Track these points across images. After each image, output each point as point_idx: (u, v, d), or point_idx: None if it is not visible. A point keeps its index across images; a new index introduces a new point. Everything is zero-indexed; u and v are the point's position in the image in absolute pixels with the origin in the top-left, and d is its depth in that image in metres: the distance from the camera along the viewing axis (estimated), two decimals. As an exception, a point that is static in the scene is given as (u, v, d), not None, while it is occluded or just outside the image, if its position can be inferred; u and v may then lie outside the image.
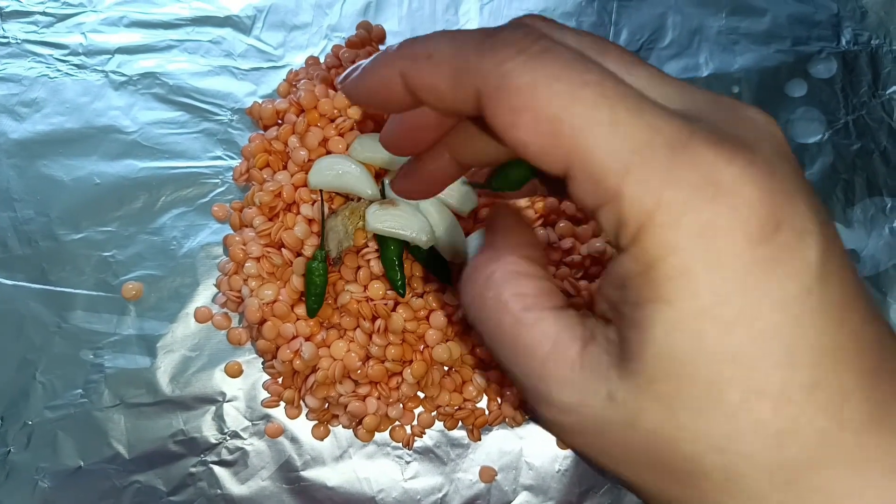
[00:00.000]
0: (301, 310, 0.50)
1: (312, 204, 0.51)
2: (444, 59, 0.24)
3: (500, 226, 0.29)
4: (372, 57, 0.27)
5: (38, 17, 0.58)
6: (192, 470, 0.49)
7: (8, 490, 0.48)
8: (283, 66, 0.58)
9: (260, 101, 0.56)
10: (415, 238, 0.48)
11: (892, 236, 0.57)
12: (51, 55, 0.57)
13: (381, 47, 0.58)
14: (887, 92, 0.60)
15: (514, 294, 0.25)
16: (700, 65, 0.60)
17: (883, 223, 0.57)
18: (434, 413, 0.51)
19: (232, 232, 0.54)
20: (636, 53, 0.59)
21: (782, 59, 0.60)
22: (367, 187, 0.50)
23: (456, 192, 0.51)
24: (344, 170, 0.50)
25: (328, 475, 0.50)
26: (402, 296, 0.49)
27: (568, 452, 0.51)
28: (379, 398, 0.50)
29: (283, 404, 0.51)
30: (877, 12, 0.61)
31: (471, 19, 0.60)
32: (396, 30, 0.59)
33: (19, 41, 0.57)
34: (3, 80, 0.56)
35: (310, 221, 0.50)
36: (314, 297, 0.49)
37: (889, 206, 0.57)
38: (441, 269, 0.50)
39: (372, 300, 0.49)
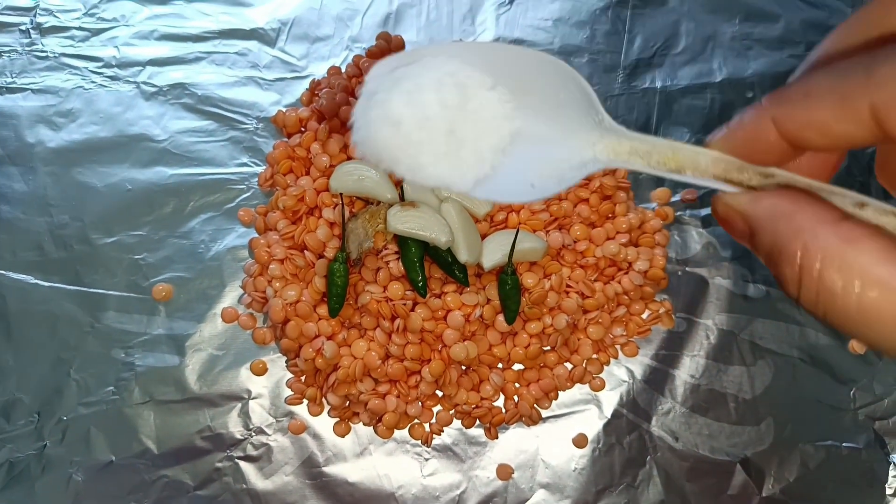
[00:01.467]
0: (323, 310, 0.51)
1: (334, 208, 0.52)
2: (825, 91, 0.23)
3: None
4: (739, 114, 0.27)
5: (74, 32, 0.61)
6: (219, 465, 0.51)
7: (44, 483, 0.50)
8: (307, 77, 0.60)
9: (284, 109, 0.58)
10: (434, 239, 0.50)
11: (908, 238, 0.57)
12: (86, 67, 0.60)
13: (401, 56, 0.60)
14: (902, 95, 0.60)
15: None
16: (714, 70, 0.61)
17: (899, 225, 0.57)
18: (452, 411, 0.53)
19: (257, 235, 0.55)
20: (650, 60, 0.61)
21: (796, 64, 0.60)
22: (386, 191, 0.51)
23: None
24: (364, 175, 0.51)
25: (349, 471, 0.51)
26: (423, 296, 0.50)
27: (584, 451, 0.52)
28: (398, 396, 0.51)
29: (305, 402, 0.53)
30: (891, 16, 0.62)
31: (487, 28, 0.62)
32: (415, 40, 0.61)
33: (56, 55, 0.60)
34: (42, 91, 0.59)
35: (331, 224, 0.52)
36: (335, 297, 0.50)
37: (905, 208, 0.57)
38: (458, 270, 0.51)
39: (391, 300, 0.50)
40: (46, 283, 0.54)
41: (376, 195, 0.51)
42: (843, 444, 0.52)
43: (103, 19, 0.61)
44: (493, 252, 0.51)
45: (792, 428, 0.52)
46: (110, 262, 0.55)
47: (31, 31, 0.60)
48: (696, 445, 0.52)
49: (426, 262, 0.51)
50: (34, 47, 0.60)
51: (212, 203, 0.57)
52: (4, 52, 0.60)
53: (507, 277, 0.51)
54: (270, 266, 0.52)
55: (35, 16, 0.61)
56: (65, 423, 0.51)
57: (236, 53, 0.60)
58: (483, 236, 0.53)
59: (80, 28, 0.61)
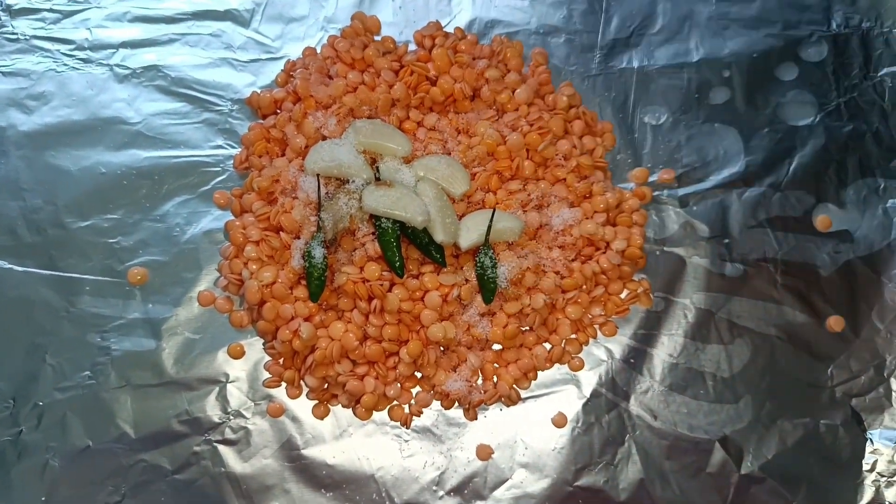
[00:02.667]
0: (299, 291, 0.51)
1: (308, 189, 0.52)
2: None
3: None
4: None
5: (45, 14, 0.60)
6: (197, 449, 0.51)
7: (20, 469, 0.50)
8: (281, 58, 0.60)
9: (259, 91, 0.58)
10: (410, 218, 0.49)
11: (885, 216, 0.57)
12: (58, 50, 0.59)
13: (377, 38, 0.60)
14: (879, 74, 0.60)
15: None
16: (690, 50, 0.61)
17: (876, 203, 0.57)
18: (431, 392, 0.53)
19: (233, 218, 0.55)
20: (627, 40, 0.61)
21: (773, 44, 0.61)
22: (361, 171, 0.51)
23: (450, 175, 0.52)
24: (339, 155, 0.51)
25: (328, 453, 0.51)
26: (401, 277, 0.50)
27: (564, 431, 0.52)
28: (377, 377, 0.51)
29: (284, 385, 0.52)
30: (867, -5, 0.62)
31: (464, 9, 0.61)
32: (391, 21, 0.61)
33: (27, 37, 0.59)
34: (13, 74, 0.58)
35: (307, 205, 0.52)
36: (316, 281, 0.50)
37: (882, 186, 0.58)
38: (436, 250, 0.51)
39: (368, 281, 0.50)
40: (20, 268, 0.54)
41: (352, 175, 0.51)
42: (821, 421, 0.53)
43: (75, 1, 0.60)
44: (470, 232, 0.51)
45: (770, 406, 0.53)
46: (85, 246, 0.54)
47: (0, 13, 0.59)
48: (674, 424, 0.52)
49: (403, 242, 0.51)
50: (4, 29, 0.59)
51: (186, 186, 0.56)
52: (-26, 34, 0.59)
53: (484, 258, 0.51)
54: (246, 248, 0.52)
55: (5, -3, 0.60)
56: (40, 409, 0.51)
57: (210, 35, 0.60)
58: (460, 216, 0.52)
59: (51, 10, 0.60)
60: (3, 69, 0.58)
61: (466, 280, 0.52)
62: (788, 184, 0.58)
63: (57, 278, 0.54)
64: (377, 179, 0.52)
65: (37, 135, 0.57)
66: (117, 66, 0.59)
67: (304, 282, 0.51)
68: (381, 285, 0.50)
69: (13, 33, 0.59)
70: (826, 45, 0.61)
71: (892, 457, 0.51)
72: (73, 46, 0.59)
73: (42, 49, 0.59)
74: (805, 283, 0.55)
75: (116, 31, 0.60)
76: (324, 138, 0.53)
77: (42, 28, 0.59)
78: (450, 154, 0.54)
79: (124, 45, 0.59)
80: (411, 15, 0.61)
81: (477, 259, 0.51)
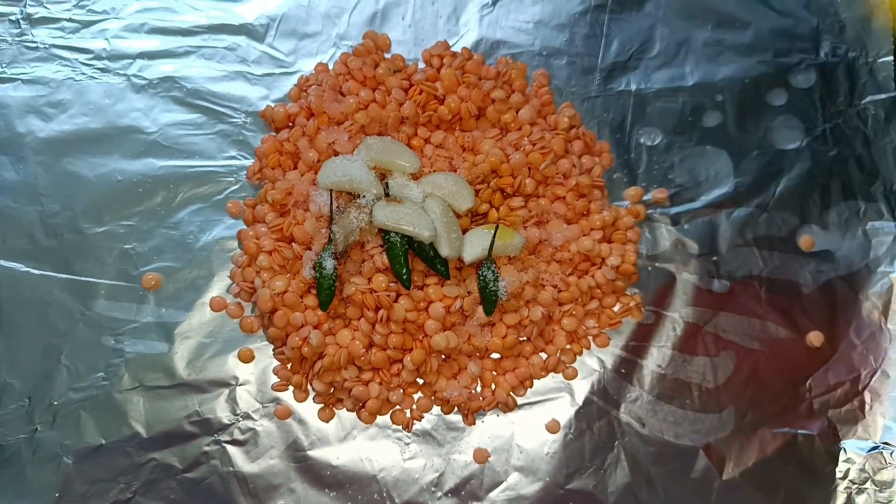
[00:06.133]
0: (309, 300, 0.53)
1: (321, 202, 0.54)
2: None
3: None
4: None
5: (64, 24, 0.61)
6: (206, 449, 0.53)
7: (35, 466, 0.52)
8: (294, 72, 0.61)
9: (272, 104, 0.59)
10: (418, 233, 0.52)
11: (864, 238, 0.60)
12: (76, 59, 0.60)
13: (387, 56, 0.61)
14: (863, 102, 0.63)
15: None
16: (686, 74, 0.63)
17: (857, 225, 0.60)
18: (432, 398, 0.55)
19: (245, 227, 0.57)
20: (626, 63, 0.63)
21: (764, 70, 0.64)
22: (372, 187, 0.53)
23: (455, 191, 0.54)
24: (351, 170, 0.53)
25: (333, 454, 0.54)
26: (408, 288, 0.52)
27: (556, 436, 0.55)
28: (381, 383, 0.54)
29: (291, 388, 0.54)
30: (854, 26, 0.65)
31: (471, 29, 0.63)
32: (401, 39, 0.63)
33: (47, 46, 0.60)
34: (32, 82, 0.59)
35: (318, 218, 0.54)
36: (326, 290, 0.52)
37: (863, 209, 0.60)
38: (440, 264, 0.53)
39: (375, 291, 0.52)
40: (37, 272, 0.55)
41: (362, 190, 0.53)
42: (799, 431, 0.55)
43: (93, 11, 0.62)
44: (474, 247, 0.53)
45: (751, 416, 0.55)
46: (100, 251, 0.56)
47: (21, 21, 0.61)
48: (661, 431, 0.55)
49: (409, 255, 0.53)
50: (24, 38, 0.60)
51: (200, 195, 0.58)
52: (-6, 41, 0.60)
53: (486, 271, 0.53)
54: (259, 257, 0.54)
55: (25, 6, 0.61)
56: (55, 408, 0.53)
57: (225, 48, 0.62)
58: (463, 231, 0.55)
59: (70, 20, 0.61)
60: (23, 77, 0.59)
61: (469, 292, 0.54)
62: (775, 205, 0.60)
63: (73, 282, 0.55)
64: (386, 195, 0.54)
65: (55, 142, 0.58)
66: (134, 76, 0.60)
67: (314, 291, 0.53)
68: (388, 296, 0.52)
69: (33, 41, 0.60)
70: (814, 73, 0.64)
71: (864, 465, 0.54)
72: (91, 56, 0.60)
73: (61, 58, 0.60)
74: (788, 299, 0.58)
75: (134, 41, 0.61)
76: (335, 153, 0.55)
77: (61, 37, 0.61)
78: (455, 171, 0.56)
79: (141, 55, 0.61)
80: (420, 33, 0.63)
81: (480, 273, 0.54)
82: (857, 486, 0.54)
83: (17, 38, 0.60)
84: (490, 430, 0.55)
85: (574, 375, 0.56)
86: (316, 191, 0.53)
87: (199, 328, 0.55)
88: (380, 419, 0.54)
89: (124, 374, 0.54)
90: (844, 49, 0.64)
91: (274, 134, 0.59)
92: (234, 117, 0.60)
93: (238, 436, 0.53)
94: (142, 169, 0.58)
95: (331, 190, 0.53)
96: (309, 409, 0.54)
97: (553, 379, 0.56)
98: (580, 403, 0.55)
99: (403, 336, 0.53)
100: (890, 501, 0.53)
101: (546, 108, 0.60)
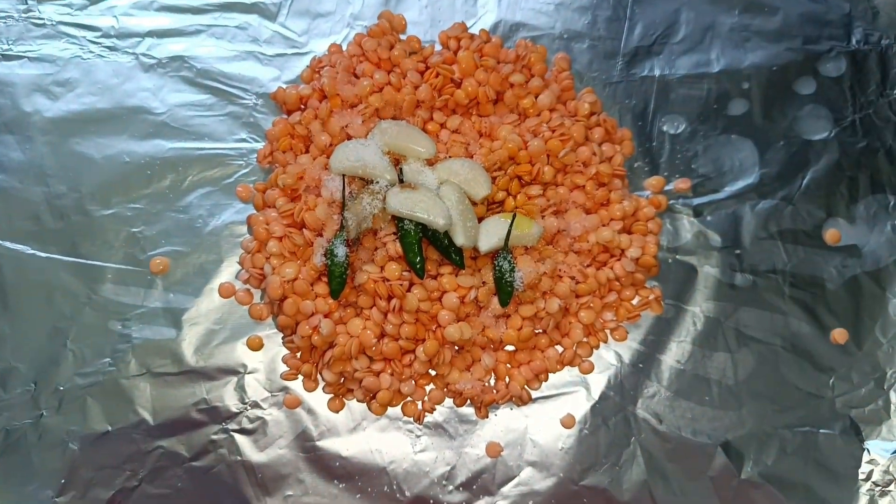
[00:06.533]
0: (320, 288, 0.52)
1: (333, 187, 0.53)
2: None
3: None
4: None
5: (72, 0, 0.60)
6: (214, 437, 0.52)
7: (40, 452, 0.51)
8: (307, 53, 0.60)
9: (284, 86, 0.58)
10: (433, 221, 0.50)
11: (893, 233, 0.58)
12: (84, 37, 0.59)
13: (402, 37, 0.60)
14: (895, 92, 0.61)
15: None
16: (711, 60, 0.61)
17: (885, 220, 0.58)
18: (444, 390, 0.54)
19: (255, 212, 0.56)
20: (650, 48, 0.61)
21: (792, 57, 0.62)
22: (385, 172, 0.52)
23: (472, 178, 0.53)
24: (364, 155, 0.52)
25: (342, 445, 0.53)
26: (421, 277, 0.51)
27: (571, 431, 0.54)
28: (392, 374, 0.52)
29: (301, 377, 0.54)
30: (888, 13, 0.62)
31: (489, 10, 0.62)
32: (417, 19, 0.61)
33: (54, 23, 0.59)
34: (39, 60, 0.58)
35: (330, 204, 0.52)
36: (337, 278, 0.51)
37: (892, 203, 0.59)
38: (455, 253, 0.52)
39: (388, 280, 0.51)
40: (43, 254, 0.54)
41: (376, 175, 0.52)
42: (821, 431, 0.54)
43: (102, -13, 0.60)
44: (490, 236, 0.52)
45: (772, 413, 0.54)
46: (107, 233, 0.55)
47: (28, -3, 0.59)
48: (678, 428, 0.54)
49: (423, 243, 0.52)
50: (31, 14, 0.59)
51: (210, 178, 0.57)
52: (0, 18, 0.59)
53: (502, 261, 0.52)
54: (269, 243, 0.53)
55: (32, -19, 0.60)
56: (61, 393, 0.52)
57: (236, 27, 0.60)
58: (479, 219, 0.53)
59: (78, -5, 0.60)
60: (30, 54, 0.58)
61: (484, 282, 0.53)
62: (801, 197, 0.59)
63: (79, 265, 0.54)
64: (401, 181, 0.52)
65: (62, 121, 0.57)
66: (143, 55, 0.59)
67: (325, 279, 0.52)
68: (401, 285, 0.51)
69: (40, 18, 0.59)
70: (844, 61, 0.62)
71: (888, 467, 0.53)
72: (99, 34, 0.59)
73: (68, 35, 0.59)
74: (812, 295, 0.57)
75: (143, 19, 0.60)
76: (348, 137, 0.54)
77: (69, 14, 0.59)
78: (472, 157, 0.54)
79: (150, 34, 0.59)
80: (437, 14, 0.61)
81: (496, 263, 0.52)
82: (880, 488, 0.53)
83: (23, 15, 0.59)
84: (503, 423, 0.54)
85: (590, 369, 0.55)
86: (328, 176, 0.52)
87: (207, 314, 0.54)
88: (391, 411, 0.53)
89: (131, 360, 0.53)
90: (877, 36, 0.62)
91: (285, 116, 0.57)
92: (245, 99, 0.59)
93: (246, 424, 0.52)
94: (150, 150, 0.57)
95: (343, 175, 0.52)
96: (318, 399, 0.53)
97: (569, 373, 0.55)
98: (596, 398, 0.54)
99: (416, 326, 0.51)
100: (914, 505, 0.52)
101: (566, 93, 0.58)
